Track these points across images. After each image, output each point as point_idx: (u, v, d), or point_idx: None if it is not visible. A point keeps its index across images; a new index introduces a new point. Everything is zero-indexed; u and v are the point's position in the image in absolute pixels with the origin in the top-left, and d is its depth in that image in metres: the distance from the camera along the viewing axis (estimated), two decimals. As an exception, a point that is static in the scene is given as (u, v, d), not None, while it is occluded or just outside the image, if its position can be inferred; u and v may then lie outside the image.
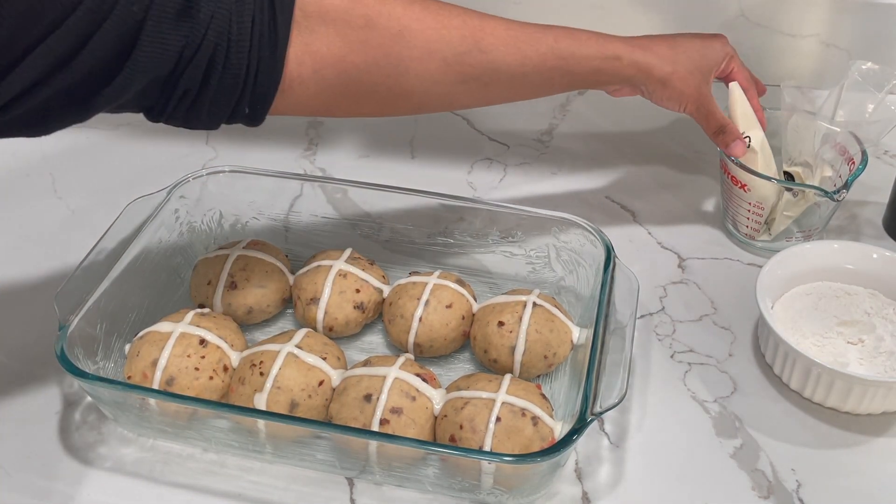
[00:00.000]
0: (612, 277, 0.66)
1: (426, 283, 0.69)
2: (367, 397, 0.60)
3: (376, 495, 0.60)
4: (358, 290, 0.70)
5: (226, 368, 0.64)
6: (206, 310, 0.69)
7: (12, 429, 0.64)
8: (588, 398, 0.57)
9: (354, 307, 0.70)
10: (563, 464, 0.59)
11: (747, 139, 0.76)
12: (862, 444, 0.64)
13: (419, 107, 0.67)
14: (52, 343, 0.60)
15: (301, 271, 0.73)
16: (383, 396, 0.60)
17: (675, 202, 0.87)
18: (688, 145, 0.94)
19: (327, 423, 0.61)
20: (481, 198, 0.83)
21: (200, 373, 0.63)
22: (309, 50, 0.59)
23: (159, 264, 0.72)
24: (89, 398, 0.65)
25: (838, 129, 0.78)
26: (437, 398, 0.62)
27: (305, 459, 0.61)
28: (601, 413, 0.56)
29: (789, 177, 0.79)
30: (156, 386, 0.62)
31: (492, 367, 0.67)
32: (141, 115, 0.58)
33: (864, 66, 0.78)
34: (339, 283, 0.70)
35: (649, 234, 0.83)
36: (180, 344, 0.63)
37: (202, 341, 0.64)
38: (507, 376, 0.62)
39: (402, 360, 0.63)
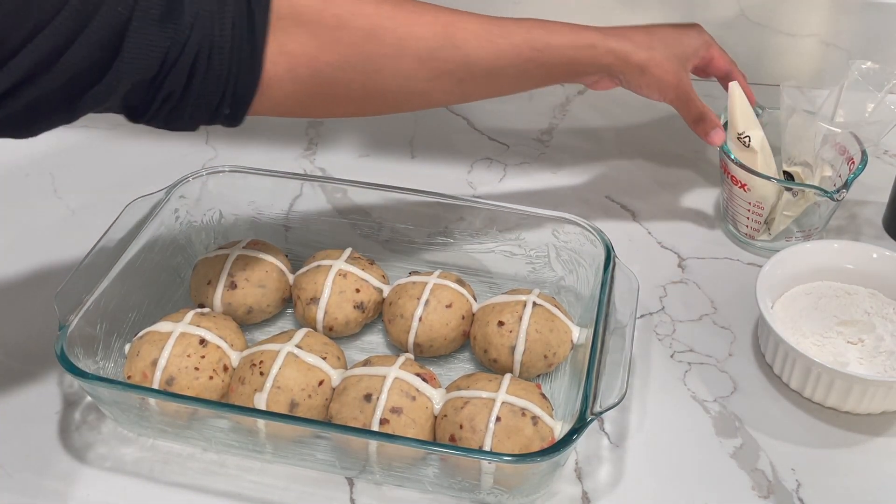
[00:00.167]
0: (612, 277, 0.66)
1: (426, 283, 0.69)
2: (367, 397, 0.60)
3: (376, 495, 0.60)
4: (358, 290, 0.70)
5: (226, 368, 0.64)
6: (206, 310, 0.69)
7: (12, 428, 0.64)
8: (588, 398, 0.57)
9: (354, 307, 0.70)
10: (563, 463, 0.59)
11: (747, 139, 0.76)
12: (862, 444, 0.64)
13: (395, 105, 0.68)
14: (52, 343, 0.60)
15: (301, 271, 0.73)
16: (383, 396, 0.60)
17: (675, 202, 0.87)
18: (688, 145, 0.94)
19: (327, 423, 0.61)
20: (481, 197, 0.83)
21: (200, 373, 0.63)
22: (283, 50, 0.59)
23: (159, 264, 0.72)
24: (89, 398, 0.65)
25: (838, 129, 0.78)
26: (437, 398, 0.62)
27: (305, 459, 0.61)
28: (601, 413, 0.56)
29: (789, 177, 0.79)
30: (156, 386, 0.62)
31: (492, 366, 0.67)
32: None
33: (863, 66, 0.78)
34: (338, 283, 0.70)
35: (649, 233, 0.83)
36: (180, 344, 0.63)
37: (202, 341, 0.64)
38: (507, 376, 0.62)
39: (402, 359, 0.63)
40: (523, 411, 0.59)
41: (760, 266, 0.71)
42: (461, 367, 0.70)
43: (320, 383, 0.63)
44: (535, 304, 0.67)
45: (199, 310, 0.68)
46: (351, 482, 0.61)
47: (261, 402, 0.61)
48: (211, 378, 0.63)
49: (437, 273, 0.71)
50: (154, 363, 0.63)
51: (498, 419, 0.58)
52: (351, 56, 0.61)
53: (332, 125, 0.97)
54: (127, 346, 0.66)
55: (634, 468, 0.62)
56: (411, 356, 0.67)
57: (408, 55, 0.63)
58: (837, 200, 0.74)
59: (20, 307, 0.74)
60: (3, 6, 0.46)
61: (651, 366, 0.70)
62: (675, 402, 0.67)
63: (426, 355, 0.69)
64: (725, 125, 0.79)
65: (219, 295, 0.70)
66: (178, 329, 0.64)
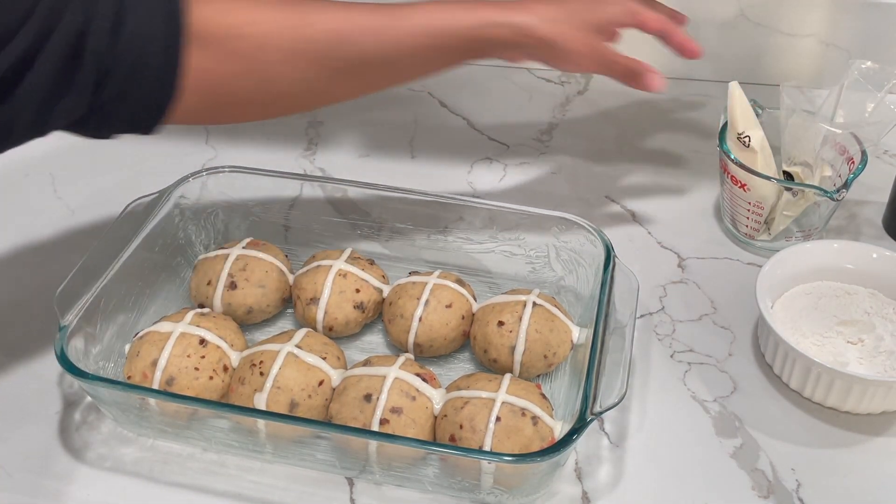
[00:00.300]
0: (612, 277, 0.66)
1: (426, 283, 0.69)
2: (367, 397, 0.60)
3: (376, 495, 0.60)
4: (358, 290, 0.70)
5: (226, 368, 0.64)
6: (206, 310, 0.69)
7: (12, 429, 0.64)
8: (588, 398, 0.57)
9: (354, 307, 0.70)
10: (562, 463, 0.59)
11: (747, 139, 0.76)
12: (861, 444, 0.64)
13: (299, 106, 0.69)
14: (52, 343, 0.60)
15: (301, 271, 0.73)
16: (383, 396, 0.60)
17: (675, 202, 0.87)
18: (688, 145, 0.94)
19: (327, 423, 0.61)
20: (481, 197, 0.83)
21: (200, 373, 0.63)
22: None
23: (159, 264, 0.72)
24: (89, 398, 0.65)
25: (838, 129, 0.78)
26: (436, 398, 0.62)
27: (305, 459, 0.61)
28: (601, 413, 0.56)
29: (789, 177, 0.79)
30: (156, 386, 0.62)
31: (492, 366, 0.67)
32: None
33: (863, 66, 0.78)
34: (338, 283, 0.70)
35: (649, 233, 0.83)
36: (180, 344, 0.64)
37: (202, 341, 0.64)
38: (507, 376, 0.62)
39: (402, 359, 0.63)
40: (523, 411, 0.59)
41: (760, 266, 0.71)
42: (461, 367, 0.70)
43: (320, 383, 0.63)
44: (534, 304, 0.67)
45: (199, 310, 0.68)
46: (351, 482, 0.61)
47: (261, 402, 0.61)
48: (211, 378, 0.63)
49: (436, 273, 0.71)
50: (154, 363, 0.63)
51: (498, 419, 0.58)
52: (245, 67, 0.61)
53: (332, 125, 0.97)
54: (127, 347, 0.66)
55: (634, 468, 0.62)
56: (411, 356, 0.67)
57: (302, 59, 0.63)
58: (837, 200, 0.74)
59: (20, 307, 0.74)
60: None
61: (651, 366, 0.70)
62: (674, 402, 0.67)
63: (426, 355, 0.69)
64: (725, 125, 0.79)
65: (219, 295, 0.70)
66: (178, 329, 0.64)
